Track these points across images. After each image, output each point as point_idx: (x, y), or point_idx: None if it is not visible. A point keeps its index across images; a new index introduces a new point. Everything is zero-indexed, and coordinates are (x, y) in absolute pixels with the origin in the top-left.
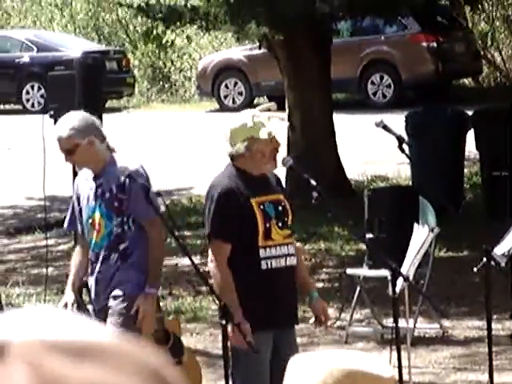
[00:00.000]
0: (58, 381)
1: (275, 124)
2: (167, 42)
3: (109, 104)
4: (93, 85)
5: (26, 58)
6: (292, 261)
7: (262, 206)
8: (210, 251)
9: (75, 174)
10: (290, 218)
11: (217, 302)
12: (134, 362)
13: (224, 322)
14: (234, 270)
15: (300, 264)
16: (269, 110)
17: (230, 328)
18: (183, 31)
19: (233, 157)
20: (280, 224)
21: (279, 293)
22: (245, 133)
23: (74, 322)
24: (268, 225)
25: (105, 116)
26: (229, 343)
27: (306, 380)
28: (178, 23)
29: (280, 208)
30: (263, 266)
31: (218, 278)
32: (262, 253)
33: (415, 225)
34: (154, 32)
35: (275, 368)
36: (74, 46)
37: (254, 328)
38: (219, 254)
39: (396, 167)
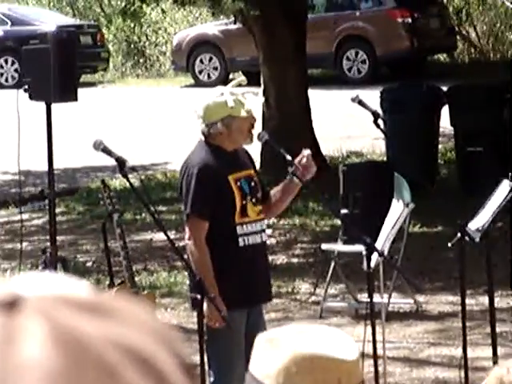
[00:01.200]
0: (74, 334)
1: (249, 99)
2: (142, 14)
3: (83, 78)
4: (67, 59)
5: None
6: (265, 237)
7: (238, 183)
8: (187, 229)
9: (50, 148)
10: (261, 193)
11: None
12: (148, 324)
13: (199, 296)
14: (211, 247)
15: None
16: (240, 85)
17: (205, 305)
18: (158, 5)
19: (208, 134)
20: (254, 200)
21: (256, 269)
22: (224, 112)
23: (84, 283)
24: (244, 201)
25: (79, 90)
26: (204, 320)
27: (269, 365)
28: None
29: (253, 184)
30: (240, 242)
31: (195, 256)
32: (239, 229)
33: (393, 200)
34: (132, 8)
35: (247, 343)
36: (48, 21)
37: (231, 305)
38: (197, 231)
39: (371, 143)
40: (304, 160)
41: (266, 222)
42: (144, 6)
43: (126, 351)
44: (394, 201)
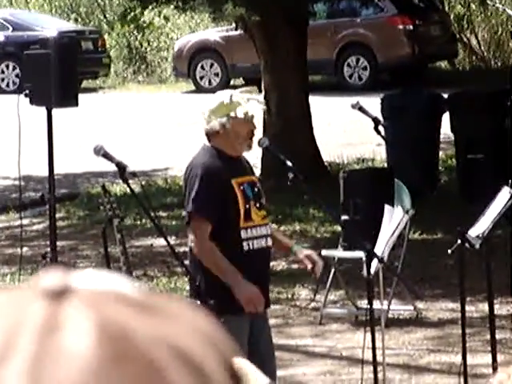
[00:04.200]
0: (120, 328)
1: (253, 106)
2: (144, 22)
3: (84, 84)
4: (68, 64)
5: (0, 37)
6: (269, 241)
7: (241, 187)
8: (191, 231)
9: (51, 153)
10: (264, 199)
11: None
12: (197, 325)
13: (198, 302)
14: None
15: (274, 232)
16: (249, 92)
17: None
18: (160, 12)
19: (208, 134)
20: (258, 205)
21: (259, 274)
22: (221, 110)
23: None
24: (248, 206)
25: (80, 96)
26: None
27: None
28: (155, 3)
29: (256, 189)
30: (245, 247)
31: (206, 256)
32: (243, 234)
33: (386, 206)
34: (132, 13)
35: (254, 349)
36: (49, 26)
37: (235, 310)
38: (201, 231)
39: (372, 149)
40: (310, 266)
41: (270, 226)
42: (146, 12)
43: (172, 350)
44: (394, 207)
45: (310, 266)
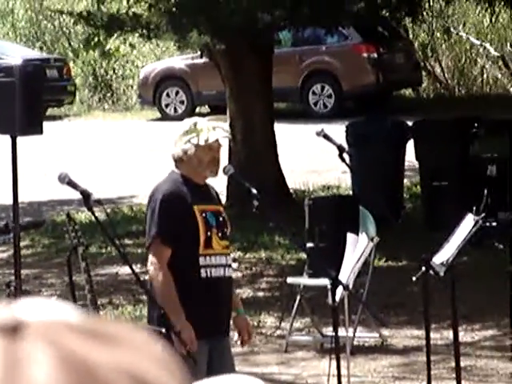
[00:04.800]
0: (80, 359)
1: (219, 134)
2: (110, 49)
3: (49, 112)
4: (32, 92)
5: None
6: (230, 272)
7: (204, 214)
8: (149, 255)
9: (16, 181)
10: (229, 230)
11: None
12: (150, 350)
13: (164, 330)
14: (174, 276)
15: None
16: (219, 120)
17: (173, 337)
18: (125, 40)
19: (174, 161)
20: (220, 234)
21: (217, 301)
22: (184, 137)
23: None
24: (209, 233)
25: (45, 124)
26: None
27: None
28: (120, 31)
29: (221, 219)
30: (203, 273)
31: (158, 280)
32: (201, 261)
33: (348, 234)
34: (95, 39)
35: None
36: (14, 54)
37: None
38: (160, 256)
39: (337, 176)
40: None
41: (231, 256)
42: (111, 39)
43: (131, 377)
44: (359, 235)
45: (236, 336)
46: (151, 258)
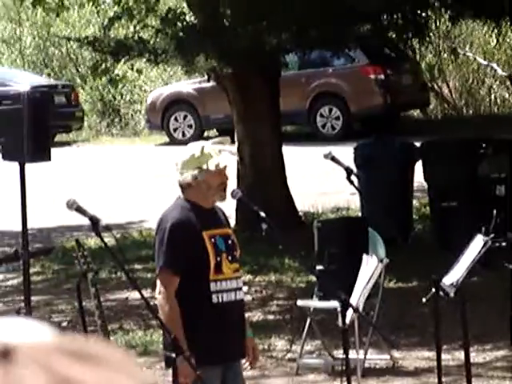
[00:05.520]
0: (69, 382)
1: (225, 157)
2: (117, 75)
3: (58, 138)
4: (40, 119)
5: None
6: (241, 295)
7: (213, 240)
8: (158, 283)
9: (24, 208)
10: (238, 252)
11: (167, 335)
12: (132, 370)
13: (174, 355)
14: (184, 303)
15: None
16: (221, 143)
17: (178, 362)
18: (133, 65)
19: (182, 186)
20: (230, 258)
21: (229, 326)
22: (193, 163)
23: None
24: (219, 258)
25: (54, 150)
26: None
27: None
28: (127, 57)
29: (230, 242)
30: (214, 299)
31: (165, 310)
32: (212, 286)
33: (364, 256)
34: (103, 66)
35: None
36: (22, 81)
37: (204, 362)
38: (168, 285)
39: (346, 199)
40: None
41: (242, 279)
42: (118, 65)
43: None
44: (369, 256)
45: (249, 360)
46: (159, 288)
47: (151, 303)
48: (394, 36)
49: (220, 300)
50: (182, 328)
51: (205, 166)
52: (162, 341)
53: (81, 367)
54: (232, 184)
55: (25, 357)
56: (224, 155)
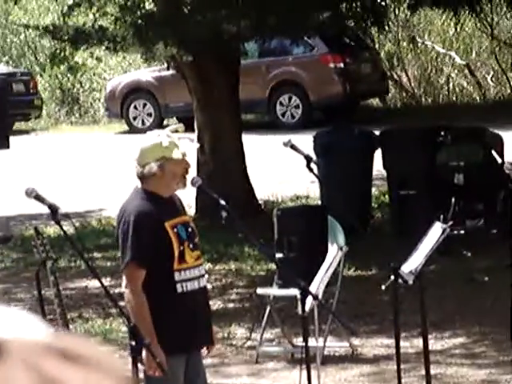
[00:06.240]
0: (56, 382)
1: (185, 145)
2: (77, 63)
3: (16, 126)
4: None
5: None
6: (204, 282)
7: (175, 229)
8: (124, 276)
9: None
10: (197, 238)
11: (126, 323)
12: (115, 370)
13: (134, 343)
14: (149, 294)
15: None
16: (177, 131)
17: (144, 355)
18: (92, 53)
19: (143, 177)
20: (191, 246)
21: (195, 315)
22: (158, 152)
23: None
24: (182, 247)
25: (12, 138)
26: (142, 367)
27: None
28: (86, 45)
29: (189, 229)
30: (179, 289)
31: (133, 304)
32: (177, 276)
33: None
34: (62, 54)
35: None
36: None
37: (170, 351)
38: (134, 279)
39: (306, 187)
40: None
41: (204, 266)
42: (77, 53)
43: None
44: (329, 244)
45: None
46: (126, 282)
47: (111, 291)
48: (352, 24)
49: (185, 289)
50: (151, 322)
51: (170, 155)
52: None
53: (67, 368)
54: (192, 172)
55: (15, 355)
56: (183, 143)
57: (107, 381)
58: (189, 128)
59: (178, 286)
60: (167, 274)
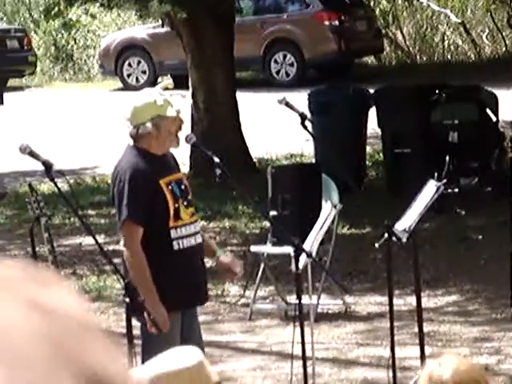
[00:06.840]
0: (40, 304)
1: (177, 101)
2: (71, 20)
3: (10, 83)
4: None
5: None
6: (199, 238)
7: (170, 187)
8: (122, 235)
9: None
10: (191, 194)
11: (121, 280)
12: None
13: (128, 299)
14: (146, 252)
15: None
16: (167, 88)
17: (146, 315)
18: (87, 10)
19: (137, 136)
20: (185, 203)
21: (192, 272)
22: (153, 111)
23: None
24: (177, 205)
25: (6, 95)
26: (134, 322)
27: None
28: (81, 1)
29: (183, 187)
30: (175, 246)
31: (131, 261)
32: (173, 233)
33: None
34: (56, 9)
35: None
36: None
37: (169, 308)
38: (132, 236)
39: (300, 145)
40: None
41: (199, 223)
42: (72, 9)
43: (79, 322)
44: (323, 202)
45: (237, 270)
46: (125, 241)
47: (105, 248)
48: None
49: (181, 246)
50: (151, 279)
51: (165, 113)
52: (119, 287)
53: (49, 293)
54: (186, 129)
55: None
56: (176, 99)
57: (74, 301)
58: (184, 85)
59: (175, 243)
60: (163, 232)
